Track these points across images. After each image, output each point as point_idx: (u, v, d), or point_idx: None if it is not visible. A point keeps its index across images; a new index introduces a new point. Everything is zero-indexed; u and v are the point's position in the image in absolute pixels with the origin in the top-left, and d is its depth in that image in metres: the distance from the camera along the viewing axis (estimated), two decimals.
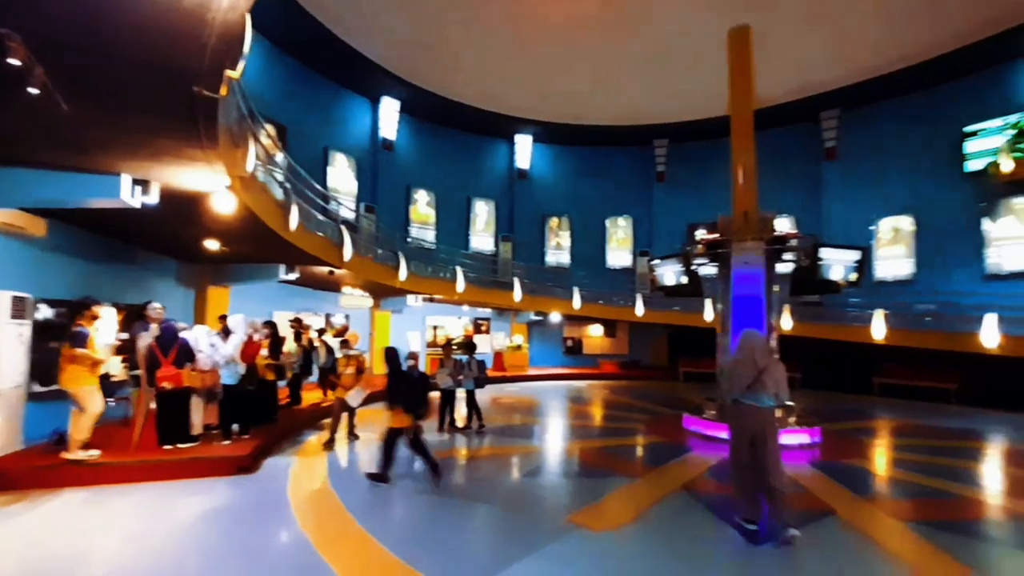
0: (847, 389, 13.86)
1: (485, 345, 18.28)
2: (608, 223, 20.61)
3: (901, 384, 13.19)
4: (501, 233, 19.55)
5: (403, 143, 18.01)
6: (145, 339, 6.31)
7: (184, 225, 7.40)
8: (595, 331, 20.09)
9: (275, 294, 12.55)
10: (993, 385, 11.86)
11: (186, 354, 6.42)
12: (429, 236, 18.15)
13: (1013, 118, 13.39)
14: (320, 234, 9.98)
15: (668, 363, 18.49)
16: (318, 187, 11.10)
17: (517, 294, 16.19)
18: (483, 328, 19.00)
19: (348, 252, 10.56)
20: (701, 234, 9.70)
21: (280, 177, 8.66)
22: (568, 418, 10.82)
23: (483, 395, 12.23)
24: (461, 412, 9.11)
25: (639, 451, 7.99)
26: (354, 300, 15.11)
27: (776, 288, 8.88)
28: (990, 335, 10.74)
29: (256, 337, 7.55)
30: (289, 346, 9.66)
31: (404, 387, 5.93)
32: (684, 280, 9.62)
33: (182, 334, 6.62)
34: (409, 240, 17.39)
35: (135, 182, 5.58)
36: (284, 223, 7.94)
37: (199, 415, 6.84)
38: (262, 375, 7.62)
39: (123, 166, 5.31)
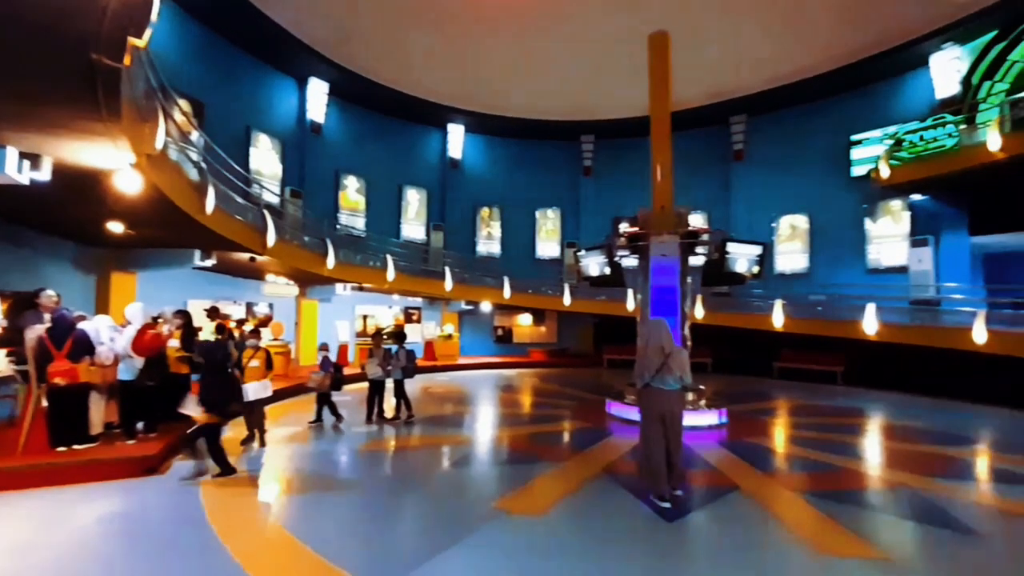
0: (751, 373, 14.73)
1: (416, 334, 17.96)
2: (538, 214, 20.74)
3: (796, 367, 14.13)
4: (433, 222, 19.18)
5: (332, 127, 17.18)
6: (35, 330, 5.61)
7: (82, 205, 6.63)
8: (525, 320, 20.21)
9: (190, 281, 11.61)
10: (873, 367, 12.93)
11: (83, 347, 5.72)
12: (359, 223, 17.47)
13: (891, 130, 14.66)
14: (240, 218, 9.29)
15: (594, 351, 18.92)
16: (239, 169, 10.36)
17: (448, 283, 15.99)
18: (414, 317, 18.62)
19: (271, 238, 9.93)
20: (625, 227, 10.00)
21: (196, 157, 7.97)
22: (498, 406, 10.80)
23: (413, 385, 12.01)
24: (391, 403, 8.89)
25: (565, 437, 8.09)
26: (278, 288, 14.31)
27: (689, 279, 9.32)
28: (870, 323, 11.73)
29: (166, 328, 6.94)
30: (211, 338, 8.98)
31: (216, 384, 5.56)
32: (607, 271, 9.86)
33: (81, 325, 5.95)
34: (338, 227, 16.65)
35: (23, 156, 4.92)
36: (199, 206, 7.30)
37: (99, 413, 6.11)
38: (174, 369, 7.02)
39: (8, 137, 4.66)
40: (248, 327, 9.14)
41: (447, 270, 16.16)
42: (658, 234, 9.12)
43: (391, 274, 14.71)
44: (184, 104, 10.84)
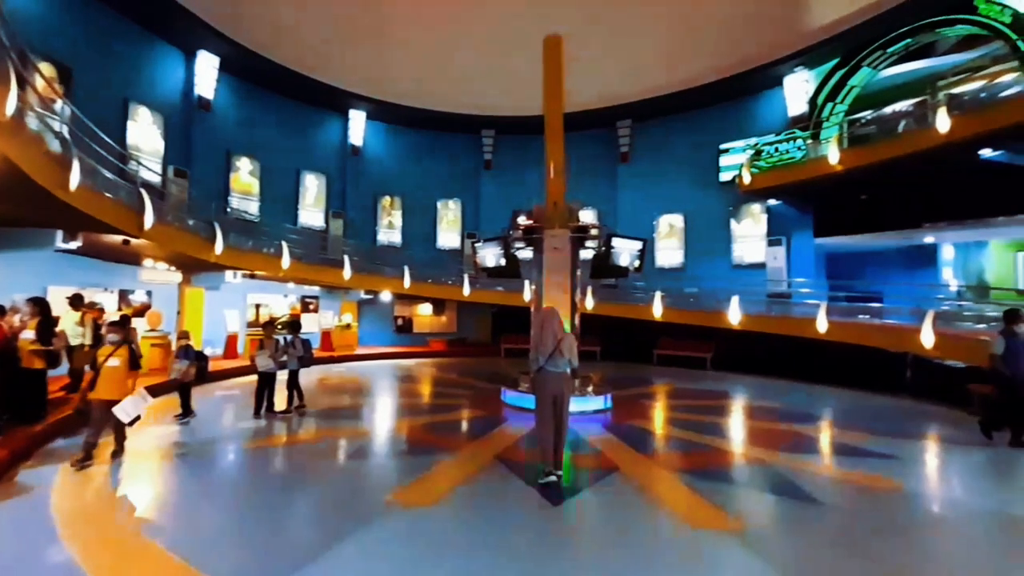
0: (634, 360, 15.23)
1: (313, 324, 16.73)
2: (439, 205, 20.12)
3: (673, 354, 14.80)
4: (332, 209, 17.83)
5: (223, 104, 15.34)
6: None
7: None
8: (425, 310, 19.54)
9: (51, 266, 9.78)
10: (737, 353, 13.82)
11: None
12: (252, 208, 15.81)
13: (752, 141, 15.76)
14: (111, 196, 7.98)
15: (492, 340, 18.74)
16: (112, 143, 8.89)
17: (347, 272, 15.02)
18: (311, 307, 17.28)
19: (149, 219, 8.65)
20: (522, 220, 9.92)
21: (59, 127, 6.69)
22: (395, 397, 10.27)
23: (309, 377, 11.13)
24: (283, 395, 8.10)
25: (460, 426, 7.82)
26: (158, 275, 12.62)
27: (579, 272, 9.41)
28: (735, 314, 12.51)
29: (17, 318, 5.71)
30: (72, 329, 7.54)
31: None
32: (503, 262, 9.72)
33: None
34: (229, 211, 14.97)
35: None
36: (61, 181, 6.11)
37: None
38: (27, 363, 5.79)
39: None
40: (110, 318, 7.87)
41: (346, 258, 15.17)
42: (551, 228, 9.12)
43: (286, 261, 13.52)
44: (47, 68, 9.19)
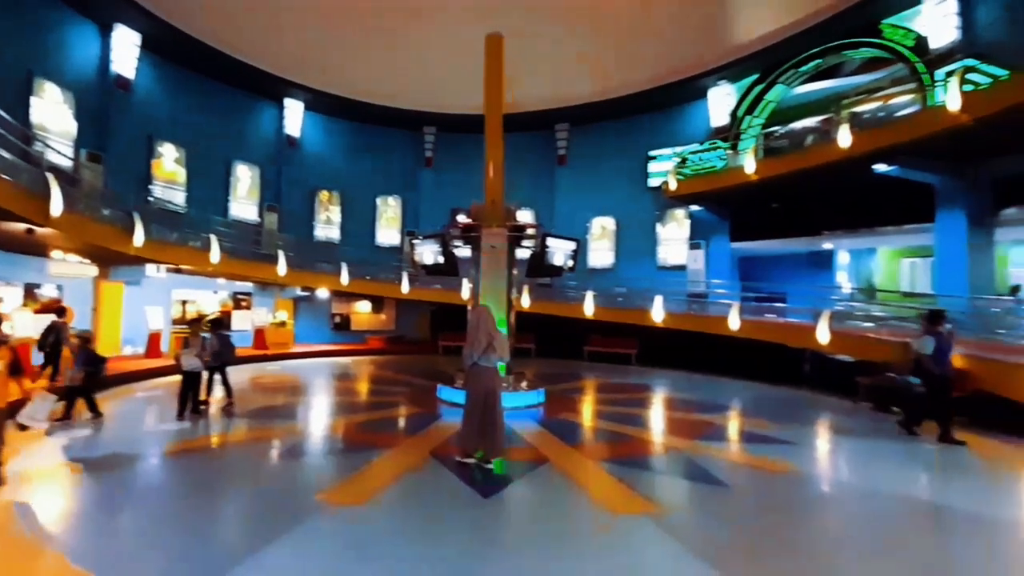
0: (567, 356, 15.33)
1: (246, 322, 15.87)
2: (379, 201, 19.55)
3: (602, 351, 15.05)
4: (267, 202, 16.93)
5: (145, 85, 14.15)
6: None
7: None
8: (363, 307, 18.91)
9: None
10: (660, 350, 14.22)
11: None
12: (178, 198, 14.67)
13: (678, 149, 16.45)
14: (10, 180, 7.28)
15: (430, 337, 18.42)
16: (11, 120, 8.05)
17: (282, 268, 14.34)
18: (243, 304, 16.34)
19: (57, 207, 7.92)
20: (461, 218, 9.91)
21: None
22: (332, 395, 9.99)
23: (241, 376, 10.61)
24: (215, 395, 7.70)
25: (395, 423, 7.72)
26: (70, 268, 11.56)
27: (516, 270, 9.51)
28: (658, 312, 12.91)
29: None
30: None
31: None
32: (441, 260, 9.67)
33: None
34: (151, 200, 13.89)
35: None
36: None
37: None
38: None
39: None
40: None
41: (281, 254, 14.48)
42: (489, 227, 9.15)
43: (215, 256, 12.75)
44: None
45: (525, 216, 14.92)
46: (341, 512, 4.17)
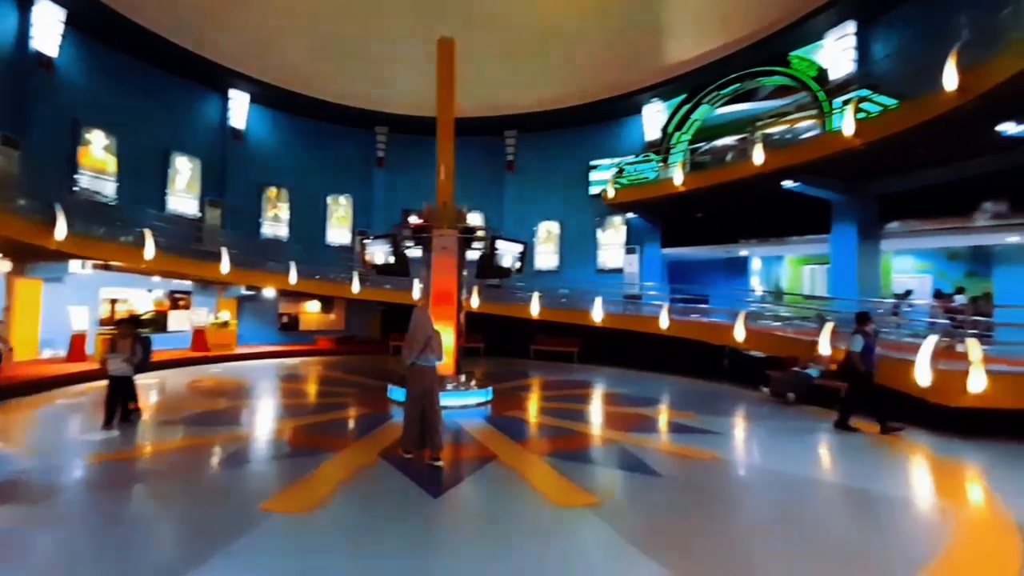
0: (514, 355, 15.20)
1: (184, 322, 14.68)
2: (329, 200, 18.67)
3: (547, 349, 14.99)
4: (209, 197, 15.69)
5: (70, 66, 12.67)
6: None
7: None
8: (312, 307, 17.95)
9: None
10: (599, 348, 14.08)
11: None
12: (108, 189, 13.23)
13: (617, 160, 16.92)
14: None
15: (381, 337, 17.86)
16: None
17: (225, 266, 13.38)
18: (181, 303, 15.08)
19: None
20: (413, 219, 9.68)
21: None
22: (278, 397, 9.44)
23: (180, 379, 9.83)
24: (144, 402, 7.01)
25: (344, 424, 7.42)
26: None
27: (466, 271, 9.43)
28: (598, 312, 13.17)
29: None
30: None
31: None
32: (392, 260, 9.42)
33: None
34: (77, 190, 12.49)
35: None
36: None
37: None
38: None
39: None
40: None
41: (224, 251, 13.49)
42: (440, 228, 9.00)
43: (150, 252, 11.68)
44: None
45: (475, 219, 14.80)
46: (287, 521, 3.88)
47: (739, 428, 7.67)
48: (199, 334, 14.23)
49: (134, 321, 7.54)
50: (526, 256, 9.91)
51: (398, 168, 19.24)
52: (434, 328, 5.61)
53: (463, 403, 8.15)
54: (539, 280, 16.80)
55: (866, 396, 6.95)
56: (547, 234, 18.58)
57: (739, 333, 10.29)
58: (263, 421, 7.59)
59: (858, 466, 5.71)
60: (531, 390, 10.72)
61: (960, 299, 10.91)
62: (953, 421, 6.71)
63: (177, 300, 14.97)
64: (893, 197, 11.39)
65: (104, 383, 6.78)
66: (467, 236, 9.27)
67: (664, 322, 11.91)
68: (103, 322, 12.87)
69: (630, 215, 16.48)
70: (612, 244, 17.31)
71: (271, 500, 4.27)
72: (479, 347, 15.14)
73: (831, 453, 6.39)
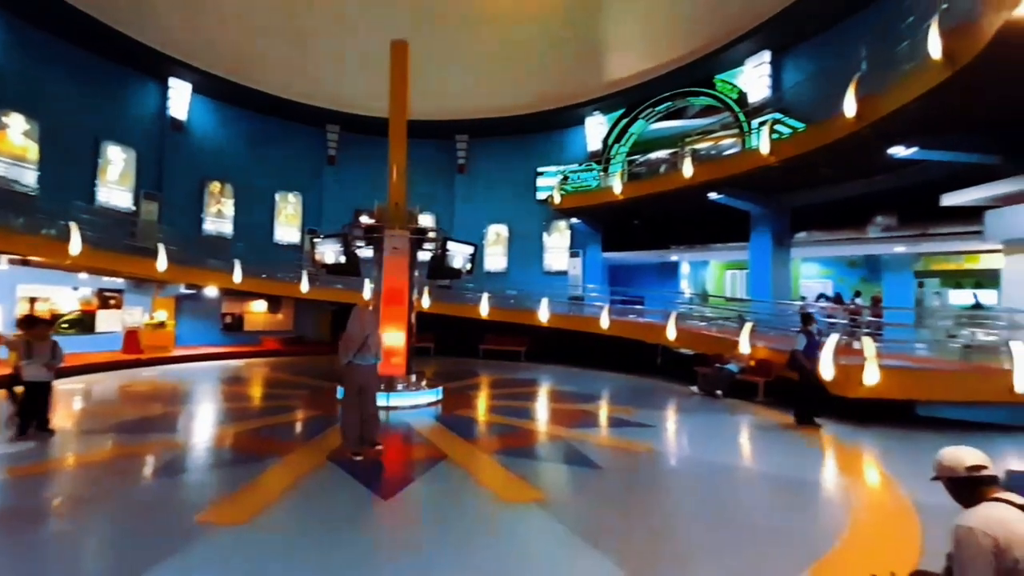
0: (463, 354, 14.90)
1: (115, 322, 13.28)
2: (278, 197, 17.51)
3: (495, 349, 14.80)
4: (145, 189, 14.25)
5: None
6: None
7: None
8: (258, 307, 16.69)
9: None
10: (545, 347, 14.06)
11: None
12: (27, 177, 11.70)
13: (562, 167, 17.16)
14: None
15: (331, 338, 17.04)
16: None
17: (162, 263, 12.19)
18: (112, 302, 13.55)
19: None
20: (364, 219, 9.31)
21: None
22: (219, 401, 8.72)
23: (110, 384, 8.88)
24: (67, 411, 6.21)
25: (291, 428, 6.97)
26: None
27: (417, 272, 9.17)
28: (544, 313, 13.21)
29: None
30: None
31: None
32: (343, 260, 9.01)
33: None
34: None
35: None
36: None
37: None
38: None
39: None
40: None
41: (162, 247, 12.29)
42: (392, 228, 8.68)
43: (76, 246, 10.48)
44: None
45: (426, 220, 14.48)
46: (227, 533, 3.55)
47: (671, 421, 7.90)
48: (132, 335, 12.87)
49: (29, 322, 6.69)
50: (476, 258, 9.80)
51: (349, 167, 18.40)
52: (373, 327, 5.52)
53: (414, 403, 7.91)
54: (488, 281, 16.65)
55: (812, 391, 7.03)
56: (496, 236, 18.50)
57: (671, 332, 10.70)
58: (202, 427, 6.98)
59: (775, 454, 6.08)
60: (480, 389, 10.56)
61: (859, 301, 11.91)
62: (852, 411, 7.25)
63: (107, 299, 13.46)
64: (803, 210, 12.28)
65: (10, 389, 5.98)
66: (419, 237, 9.01)
67: (605, 322, 12.16)
68: (20, 323, 11.38)
69: (574, 220, 16.74)
70: (557, 247, 17.52)
71: (209, 511, 3.91)
72: (429, 347, 14.74)
73: (752, 443, 6.76)
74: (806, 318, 7.32)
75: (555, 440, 6.41)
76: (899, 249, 12.55)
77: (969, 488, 1.79)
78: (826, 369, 7.06)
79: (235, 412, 7.83)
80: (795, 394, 7.24)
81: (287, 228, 17.72)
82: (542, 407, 8.89)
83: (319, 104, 16.93)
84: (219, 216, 16.28)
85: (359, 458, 5.14)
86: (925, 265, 14.70)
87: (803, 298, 13.72)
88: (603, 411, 8.52)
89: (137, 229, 13.29)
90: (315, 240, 9.86)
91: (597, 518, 4.01)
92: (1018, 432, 6.64)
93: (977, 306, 12.28)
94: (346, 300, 14.67)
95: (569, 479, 5.07)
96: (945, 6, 6.04)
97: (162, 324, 13.86)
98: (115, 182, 13.78)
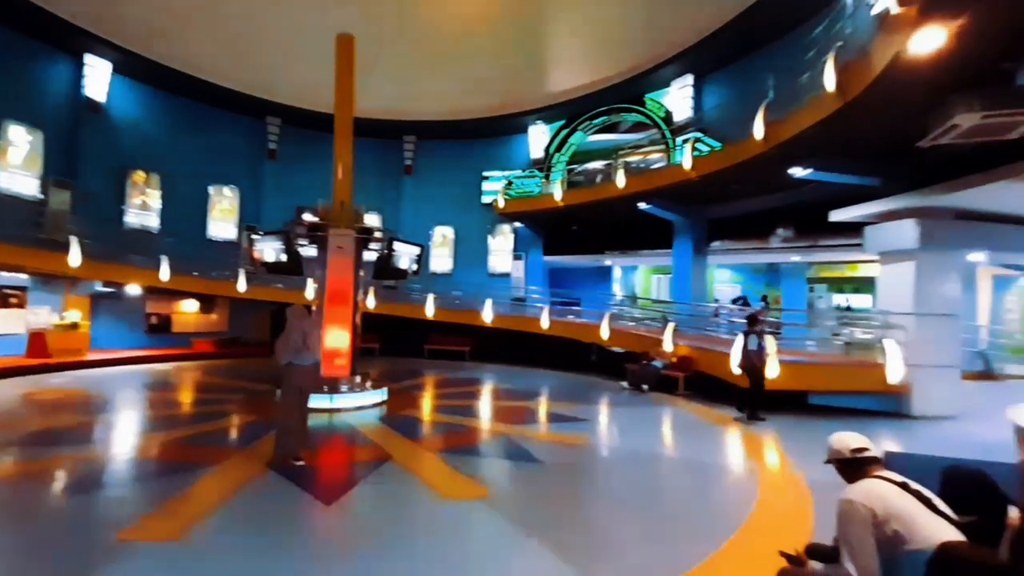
0: (409, 354, 14.45)
1: (16, 323, 11.54)
2: (212, 190, 15.96)
3: (440, 348, 14.43)
4: (54, 176, 12.44)
5: None
6: None
7: None
8: (189, 307, 15.07)
9: None
10: (489, 346, 13.84)
11: None
12: None
13: (507, 173, 17.23)
14: None
15: (271, 339, 15.77)
16: None
17: (75, 257, 10.77)
18: (13, 301, 11.70)
19: None
20: (308, 217, 8.81)
21: None
22: (143, 409, 7.82)
23: (8, 391, 7.73)
24: None
25: (226, 434, 6.46)
26: None
27: (363, 272, 8.82)
28: (488, 314, 13.22)
29: None
30: None
31: None
32: (284, 258, 8.49)
33: None
34: None
35: None
36: None
37: None
38: None
39: None
40: None
41: (74, 240, 10.89)
42: (337, 227, 8.29)
43: None
44: None
45: (372, 220, 13.95)
46: (153, 549, 3.22)
47: (604, 415, 8.20)
48: (37, 337, 11.23)
49: None
50: (423, 259, 9.60)
51: (292, 162, 17.21)
52: (312, 326, 5.31)
53: (358, 404, 7.61)
54: (434, 282, 16.31)
55: (760, 387, 7.24)
56: (442, 238, 18.22)
57: (604, 332, 11.11)
58: (123, 437, 6.24)
59: (692, 442, 6.53)
60: (425, 388, 10.33)
61: (760, 304, 13.03)
62: (757, 401, 7.80)
63: (7, 297, 11.64)
64: (718, 221, 13.22)
65: None
66: (364, 237, 8.66)
67: (545, 322, 12.39)
68: None
69: (518, 224, 16.87)
70: (502, 250, 17.58)
71: (131, 528, 3.52)
72: (374, 347, 14.15)
73: (673, 432, 7.20)
74: (752, 320, 7.45)
75: (498, 437, 6.44)
76: (795, 258, 13.90)
77: (855, 468, 2.01)
78: (735, 364, 7.51)
79: (161, 420, 7.06)
80: (746, 391, 7.35)
81: (222, 223, 16.27)
82: (486, 405, 8.87)
83: (259, 95, 15.72)
84: (144, 208, 14.60)
85: (300, 463, 4.88)
86: (816, 272, 16.41)
87: (716, 300, 14.80)
88: (543, 407, 8.61)
89: (45, 219, 11.67)
90: (254, 237, 9.21)
91: (537, 511, 4.09)
92: (890, 417, 7.57)
93: (848, 309, 13.89)
94: (287, 300, 13.72)
95: (512, 474, 5.11)
96: (840, 44, 6.66)
97: (75, 325, 12.20)
98: (18, 166, 11.91)
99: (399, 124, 17.36)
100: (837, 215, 9.01)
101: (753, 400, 7.22)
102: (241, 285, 13.40)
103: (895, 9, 4.31)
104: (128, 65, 13.80)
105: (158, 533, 3.46)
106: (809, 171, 8.46)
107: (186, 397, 9.09)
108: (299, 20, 13.25)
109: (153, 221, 14.71)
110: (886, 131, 6.73)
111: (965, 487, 1.89)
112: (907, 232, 7.76)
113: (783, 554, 2.15)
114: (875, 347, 8.07)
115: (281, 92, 15.83)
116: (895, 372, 7.45)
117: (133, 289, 13.27)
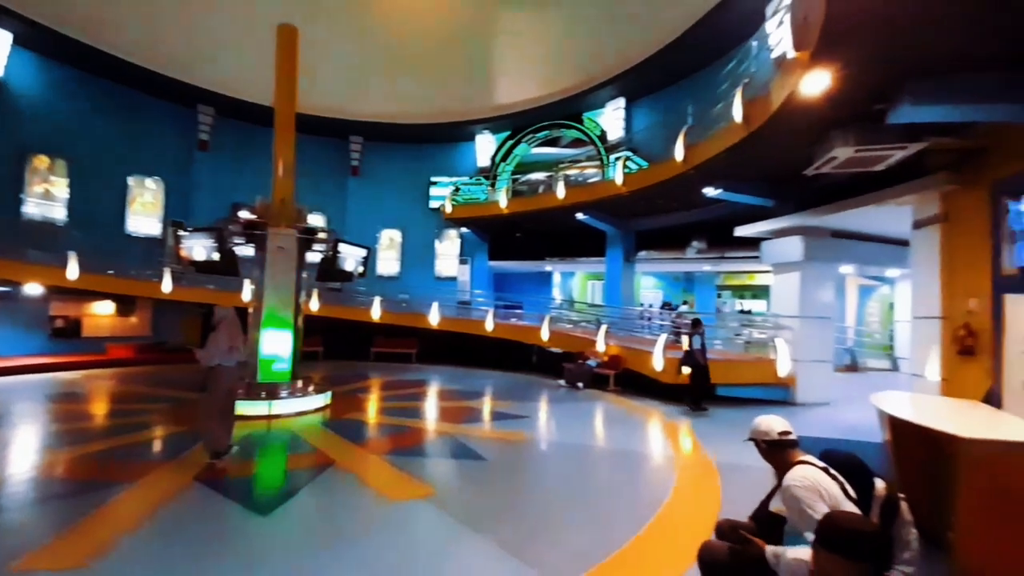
0: (354, 357, 13.84)
1: None
2: (132, 181, 14.21)
3: (386, 351, 13.86)
4: None
5: None
6: None
7: None
8: (103, 308, 13.08)
9: None
10: (436, 348, 13.59)
11: None
12: None
13: (454, 179, 17.15)
14: None
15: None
16: None
17: None
18: None
19: None
20: (244, 214, 8.09)
21: None
22: (48, 423, 6.69)
23: None
24: None
25: (148, 448, 5.73)
26: None
27: (305, 273, 8.29)
28: (434, 316, 12.92)
29: None
30: None
31: None
32: (217, 257, 7.73)
33: None
34: None
35: None
36: None
37: None
38: None
39: None
40: None
41: None
42: (277, 226, 7.70)
43: None
44: None
45: (316, 220, 13.18)
46: None
47: (543, 412, 8.27)
48: None
49: None
50: (369, 261, 9.19)
51: (226, 155, 15.76)
52: (238, 328, 5.23)
53: (300, 409, 7.12)
54: (380, 285, 15.81)
55: (704, 383, 7.62)
56: (390, 241, 17.68)
57: (544, 334, 11.33)
58: (21, 455, 5.31)
59: (620, 433, 6.85)
60: (370, 391, 9.88)
61: (683, 308, 13.94)
62: (673, 393, 8.46)
63: None
64: (645, 232, 14.00)
65: None
66: (307, 237, 8.13)
67: (489, 325, 12.38)
68: None
69: (464, 229, 16.79)
70: (448, 254, 17.38)
71: (31, 556, 3.03)
72: (318, 351, 13.30)
73: (603, 426, 7.46)
74: (696, 323, 7.89)
75: (443, 436, 6.32)
76: (707, 267, 15.02)
77: (779, 448, 2.18)
78: (657, 362, 7.98)
79: (68, 434, 6.07)
80: (689, 385, 7.73)
81: (144, 218, 14.53)
82: (431, 406, 8.68)
83: (189, 80, 14.27)
84: (47, 198, 12.72)
85: (228, 456, 4.87)
86: (724, 280, 17.87)
87: (650, 305, 15.67)
88: (486, 406, 8.57)
89: None
90: (181, 233, 8.31)
91: (481, 506, 4.07)
92: (779, 404, 8.41)
93: (748, 312, 15.26)
94: (219, 302, 12.53)
95: (456, 472, 5.04)
96: (747, 80, 7.30)
97: None
98: None
99: (345, 123, 16.63)
100: (741, 231, 9.84)
101: (696, 393, 7.65)
102: (166, 285, 12.08)
103: (791, 53, 4.80)
104: (34, 38, 12.01)
105: (63, 560, 3.00)
106: (719, 191, 9.18)
107: (99, 408, 7.96)
108: (239, 6, 12.22)
109: (59, 212, 12.87)
110: (781, 159, 7.45)
111: (840, 468, 2.10)
112: (795, 247, 8.67)
113: (739, 535, 2.10)
114: (768, 345, 8.95)
115: (216, 80, 14.52)
116: (784, 366, 8.34)
117: (34, 289, 11.42)
